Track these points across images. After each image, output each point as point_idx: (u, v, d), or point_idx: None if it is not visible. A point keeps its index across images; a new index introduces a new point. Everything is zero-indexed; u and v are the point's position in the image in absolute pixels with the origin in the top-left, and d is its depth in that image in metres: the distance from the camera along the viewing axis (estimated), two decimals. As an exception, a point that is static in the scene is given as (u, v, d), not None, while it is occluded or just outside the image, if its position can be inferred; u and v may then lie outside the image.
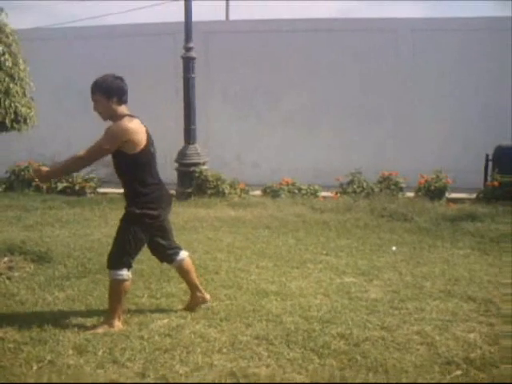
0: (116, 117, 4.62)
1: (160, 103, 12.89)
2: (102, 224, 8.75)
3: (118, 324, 4.67)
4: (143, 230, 4.68)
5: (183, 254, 5.09)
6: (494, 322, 4.82)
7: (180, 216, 9.20)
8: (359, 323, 4.75)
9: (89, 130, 13.06)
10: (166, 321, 4.80)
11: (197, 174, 10.94)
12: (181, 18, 11.14)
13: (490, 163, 11.07)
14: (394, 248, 7.19)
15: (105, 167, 12.80)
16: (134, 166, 4.63)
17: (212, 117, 12.66)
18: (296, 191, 11.02)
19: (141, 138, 4.62)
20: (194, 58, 11.13)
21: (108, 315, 4.72)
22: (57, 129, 13.29)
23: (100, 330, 4.58)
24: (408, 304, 5.24)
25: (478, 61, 12.41)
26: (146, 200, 4.67)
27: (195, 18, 11.27)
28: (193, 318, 4.86)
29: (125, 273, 4.67)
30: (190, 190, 10.82)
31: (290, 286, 5.74)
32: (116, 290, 4.68)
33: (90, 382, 3.78)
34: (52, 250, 6.91)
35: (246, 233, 8.14)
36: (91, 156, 4.64)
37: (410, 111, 12.76)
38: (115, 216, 9.29)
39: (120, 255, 4.68)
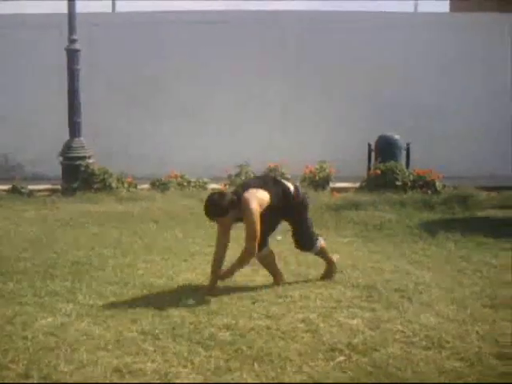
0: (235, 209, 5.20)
1: (45, 96, 12.51)
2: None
3: None
4: None
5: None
6: (375, 307, 4.99)
7: (65, 211, 9.04)
8: (245, 313, 4.81)
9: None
10: (50, 319, 4.70)
11: (83, 168, 10.74)
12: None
13: (373, 153, 11.44)
14: (279, 237, 7.30)
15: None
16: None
17: (98, 109, 12.38)
18: (185, 184, 11.00)
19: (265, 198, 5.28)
20: (78, 50, 10.95)
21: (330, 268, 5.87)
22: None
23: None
24: (293, 292, 5.34)
25: (362, 53, 12.78)
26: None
27: (81, 9, 11.13)
28: (78, 316, 4.77)
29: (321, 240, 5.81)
30: (75, 185, 10.59)
31: (178, 280, 5.75)
32: (325, 250, 5.88)
33: None
34: None
35: (133, 227, 8.07)
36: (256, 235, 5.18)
37: (297, 103, 12.98)
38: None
39: (311, 236, 5.75)
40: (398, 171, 10.39)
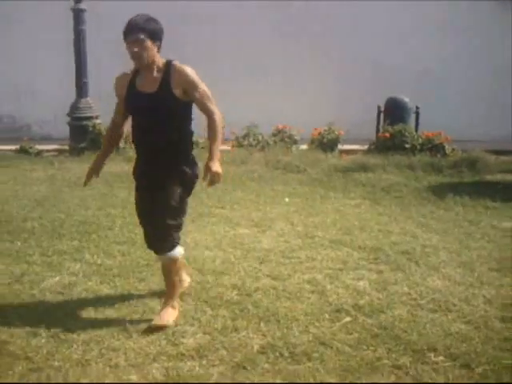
0: (158, 63, 4.10)
1: (51, 56, 12.42)
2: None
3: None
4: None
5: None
6: (382, 269, 5.00)
7: (73, 171, 9.03)
8: (251, 273, 4.84)
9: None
10: (57, 278, 4.74)
11: (90, 128, 10.69)
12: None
13: (382, 115, 11.33)
14: (286, 199, 7.30)
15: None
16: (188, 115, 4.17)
17: (104, 69, 12.26)
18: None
19: None
20: (84, 10, 10.81)
21: (170, 299, 4.05)
22: None
23: (171, 319, 3.92)
24: (299, 253, 5.36)
25: (369, 18, 12.62)
26: (194, 156, 4.10)
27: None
28: (85, 275, 4.81)
29: (180, 249, 4.11)
30: (83, 145, 10.56)
31: (185, 240, 5.69)
32: (176, 269, 4.10)
33: None
34: None
35: (140, 187, 8.04)
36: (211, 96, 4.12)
37: (306, 64, 12.84)
38: None
39: (175, 231, 4.08)
40: (406, 134, 10.30)
